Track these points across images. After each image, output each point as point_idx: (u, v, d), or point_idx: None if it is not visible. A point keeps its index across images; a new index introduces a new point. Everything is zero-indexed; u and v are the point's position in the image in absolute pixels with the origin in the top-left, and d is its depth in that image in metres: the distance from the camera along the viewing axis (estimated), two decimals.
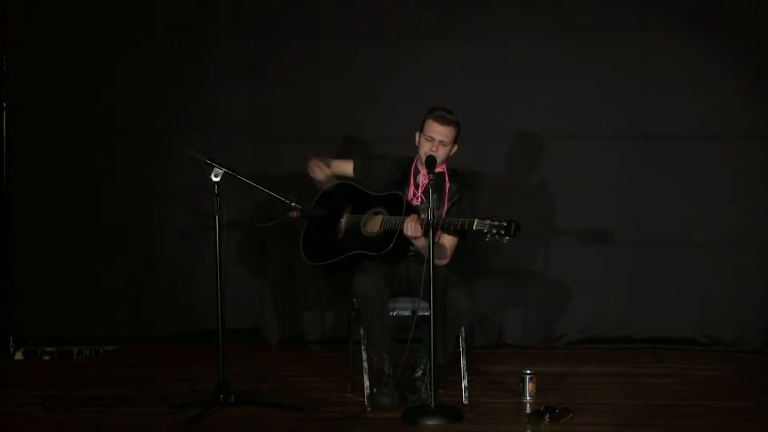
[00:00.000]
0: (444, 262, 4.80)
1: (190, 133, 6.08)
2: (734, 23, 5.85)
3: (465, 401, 4.67)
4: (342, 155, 6.01)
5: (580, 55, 5.94)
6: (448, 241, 4.80)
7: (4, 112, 6.22)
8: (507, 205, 5.78)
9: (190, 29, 6.14)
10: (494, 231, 4.38)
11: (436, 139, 4.77)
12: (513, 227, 4.37)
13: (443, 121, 4.78)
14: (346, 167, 5.07)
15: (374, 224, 4.82)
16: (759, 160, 5.88)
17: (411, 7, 6.04)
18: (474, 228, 4.43)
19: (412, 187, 4.90)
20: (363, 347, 4.75)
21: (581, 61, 5.94)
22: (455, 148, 4.85)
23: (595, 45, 5.93)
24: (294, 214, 4.71)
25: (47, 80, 6.20)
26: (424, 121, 4.83)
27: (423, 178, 4.85)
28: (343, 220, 4.92)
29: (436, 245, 4.66)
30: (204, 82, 6.16)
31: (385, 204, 4.81)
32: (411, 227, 4.57)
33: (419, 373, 4.72)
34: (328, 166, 5.05)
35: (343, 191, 5.00)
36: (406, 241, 4.73)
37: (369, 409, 4.61)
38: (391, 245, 4.66)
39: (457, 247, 4.85)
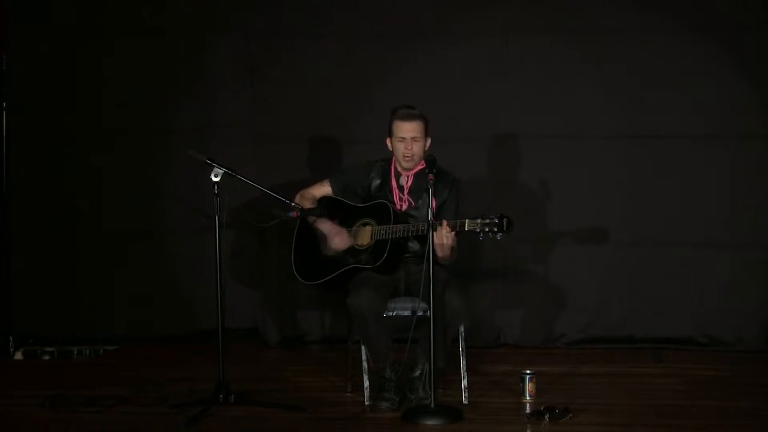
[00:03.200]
0: (454, 259, 4.76)
1: (190, 133, 6.08)
2: (734, 23, 5.84)
3: (465, 401, 4.66)
4: (341, 157, 6.02)
5: (580, 55, 5.93)
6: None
7: (4, 112, 6.21)
8: (506, 204, 5.75)
9: (190, 29, 6.14)
10: (486, 229, 4.39)
11: (408, 137, 4.74)
12: (505, 223, 4.38)
13: (408, 117, 4.75)
14: (325, 190, 4.98)
15: (364, 236, 4.78)
16: (759, 160, 5.87)
17: (411, 7, 6.04)
18: (466, 229, 4.43)
19: (396, 192, 4.85)
20: (363, 347, 4.74)
21: (581, 61, 5.93)
22: (429, 142, 4.81)
23: (596, 45, 5.93)
24: (294, 213, 4.72)
25: (47, 80, 6.20)
26: (390, 125, 4.79)
27: (405, 180, 4.84)
28: None
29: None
30: (204, 82, 6.16)
31: (372, 214, 4.78)
32: (448, 237, 4.48)
33: (417, 372, 4.70)
34: (314, 201, 4.94)
35: (327, 206, 4.91)
36: (400, 249, 4.73)
37: (369, 410, 4.60)
38: (384, 255, 4.65)
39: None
